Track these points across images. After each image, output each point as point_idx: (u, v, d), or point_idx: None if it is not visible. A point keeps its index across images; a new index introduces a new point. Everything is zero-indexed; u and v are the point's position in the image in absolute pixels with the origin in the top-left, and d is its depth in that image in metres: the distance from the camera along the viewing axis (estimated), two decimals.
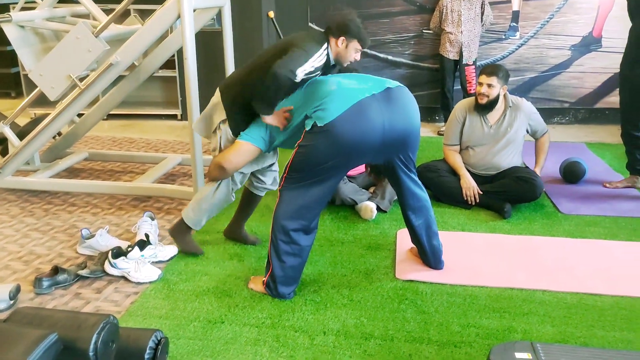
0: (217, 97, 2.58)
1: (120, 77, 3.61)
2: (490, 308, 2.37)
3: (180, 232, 2.80)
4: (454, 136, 3.55)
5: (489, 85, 3.34)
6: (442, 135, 5.08)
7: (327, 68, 2.49)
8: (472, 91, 5.01)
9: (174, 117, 5.69)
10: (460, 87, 5.10)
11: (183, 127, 5.46)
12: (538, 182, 3.31)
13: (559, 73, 5.30)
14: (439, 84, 5.27)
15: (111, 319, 1.15)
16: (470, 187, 3.38)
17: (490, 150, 3.47)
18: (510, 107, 3.43)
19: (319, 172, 2.30)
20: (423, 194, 2.58)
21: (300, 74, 2.30)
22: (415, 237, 2.63)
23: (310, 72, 2.36)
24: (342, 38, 2.41)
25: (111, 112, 5.66)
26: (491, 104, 3.39)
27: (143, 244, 2.68)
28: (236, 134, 2.52)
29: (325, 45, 2.41)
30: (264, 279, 2.45)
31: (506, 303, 2.41)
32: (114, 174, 4.09)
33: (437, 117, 5.57)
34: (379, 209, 3.30)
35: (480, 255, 2.81)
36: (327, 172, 2.31)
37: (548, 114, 5.38)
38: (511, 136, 3.43)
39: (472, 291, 2.50)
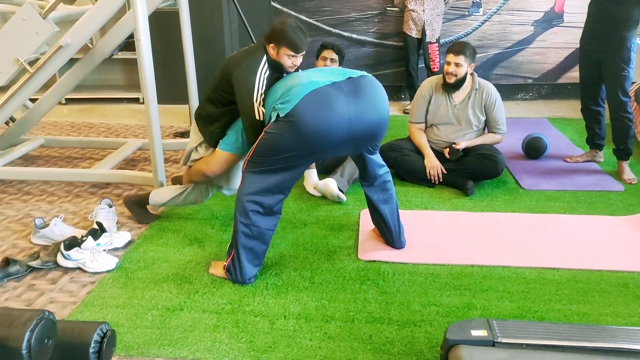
0: (194, 125, 2.77)
1: (76, 60, 3.49)
2: (450, 286, 2.38)
3: (136, 204, 2.98)
4: (419, 114, 3.53)
5: (457, 65, 3.32)
6: (407, 113, 5.08)
7: (281, 72, 2.46)
8: (436, 69, 5.00)
9: (136, 100, 5.55)
10: (424, 65, 5.07)
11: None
12: (500, 159, 3.33)
13: (522, 49, 5.32)
14: (403, 62, 5.24)
15: (46, 315, 1.10)
16: (434, 166, 3.38)
17: (454, 129, 3.46)
18: (476, 89, 3.42)
19: (282, 160, 2.27)
20: (385, 171, 2.57)
21: (259, 98, 2.38)
22: (375, 215, 2.63)
23: (265, 85, 2.39)
24: (271, 45, 2.39)
25: (70, 97, 5.54)
26: (458, 83, 3.38)
27: (96, 233, 2.61)
28: (214, 145, 2.65)
29: (263, 54, 2.41)
30: (225, 263, 2.42)
31: (466, 280, 2.42)
32: (71, 160, 3.97)
33: (402, 96, 5.55)
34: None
35: (443, 234, 2.82)
36: (290, 161, 2.28)
37: (512, 90, 5.42)
38: (474, 117, 3.43)
39: (434, 269, 2.51)
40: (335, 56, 3.46)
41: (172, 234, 2.84)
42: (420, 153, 3.48)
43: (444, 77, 3.43)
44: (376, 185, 2.56)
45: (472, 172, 3.34)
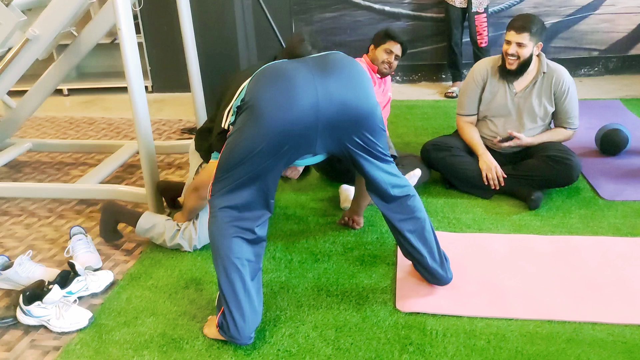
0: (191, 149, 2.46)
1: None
2: (524, 355, 1.76)
3: (113, 216, 2.49)
4: (470, 104, 2.86)
5: (520, 45, 2.63)
6: (450, 97, 4.39)
7: None
8: (484, 44, 4.27)
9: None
10: (469, 39, 4.34)
11: (154, 100, 4.79)
12: (574, 162, 2.64)
13: (587, 16, 4.52)
14: (444, 36, 4.53)
15: None
16: (491, 167, 2.71)
17: (514, 123, 2.79)
18: (544, 72, 2.73)
19: (250, 165, 1.76)
20: (402, 186, 1.98)
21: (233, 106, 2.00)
22: (401, 242, 2.05)
23: None
24: None
25: (73, 87, 5.04)
26: (522, 68, 2.69)
27: (66, 279, 2.08)
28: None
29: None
30: (216, 319, 1.86)
31: (544, 346, 1.80)
32: (62, 167, 3.46)
33: (443, 76, 4.84)
34: None
35: (505, 268, 2.19)
36: (258, 163, 1.76)
37: (574, 65, 4.63)
38: (540, 109, 2.75)
39: (498, 328, 1.89)
40: (400, 52, 2.90)
41: (164, 272, 2.29)
42: (473, 154, 2.82)
43: (502, 61, 2.74)
44: (393, 204, 1.97)
45: (537, 179, 2.67)
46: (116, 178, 3.22)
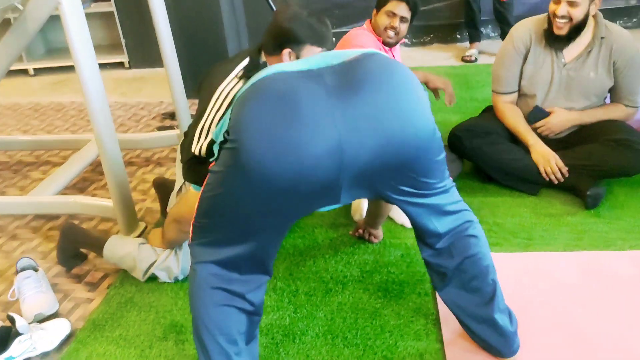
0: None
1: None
2: None
3: (75, 241, 2.02)
4: (510, 79, 2.31)
5: (571, 3, 2.07)
6: (469, 61, 3.83)
7: None
8: None
9: (119, 65, 4.43)
10: None
11: (132, 79, 4.23)
12: None
13: None
14: None
15: None
16: (549, 159, 2.16)
17: (563, 101, 2.25)
18: (602, 38, 2.17)
19: (237, 220, 1.24)
20: (459, 224, 1.41)
21: (207, 123, 1.60)
22: (455, 309, 1.51)
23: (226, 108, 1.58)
24: (287, 51, 1.57)
25: (40, 66, 4.45)
26: (574, 33, 2.13)
27: (5, 340, 1.59)
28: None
29: (243, 61, 1.64)
30: None
31: None
32: (21, 168, 2.93)
33: (458, 36, 4.25)
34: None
35: (583, 305, 1.67)
36: (250, 220, 1.23)
37: (608, 16, 4.02)
38: (596, 83, 2.20)
39: None
40: (408, 14, 2.26)
41: (136, 315, 1.80)
42: (516, 140, 2.29)
43: (549, 24, 2.18)
44: (441, 250, 1.42)
45: (598, 169, 2.15)
46: (83, 181, 2.70)
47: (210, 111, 1.58)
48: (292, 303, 1.79)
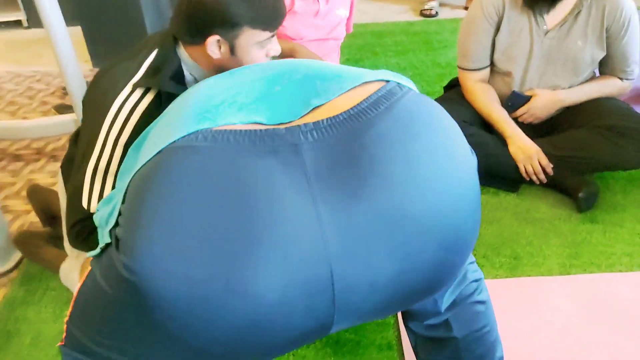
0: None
1: None
2: None
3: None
4: (480, 52, 1.87)
5: None
6: (429, 15, 3.38)
7: None
8: None
9: (16, 24, 3.74)
10: None
11: (31, 41, 3.56)
12: None
13: None
14: None
15: None
16: (531, 154, 1.76)
17: (545, 77, 1.84)
18: (590, 0, 1.75)
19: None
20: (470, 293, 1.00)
21: (100, 162, 1.10)
22: None
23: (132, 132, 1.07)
24: (214, 39, 1.07)
25: None
26: None
27: None
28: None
29: (148, 56, 1.11)
30: None
31: None
32: None
33: None
34: None
35: (587, 346, 1.33)
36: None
37: None
38: (585, 54, 1.79)
39: None
40: None
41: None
42: (491, 129, 1.88)
43: None
44: (437, 325, 1.02)
45: (584, 160, 1.76)
46: None
47: (104, 145, 1.06)
48: None
